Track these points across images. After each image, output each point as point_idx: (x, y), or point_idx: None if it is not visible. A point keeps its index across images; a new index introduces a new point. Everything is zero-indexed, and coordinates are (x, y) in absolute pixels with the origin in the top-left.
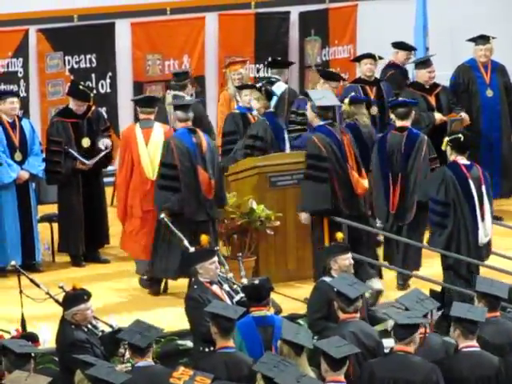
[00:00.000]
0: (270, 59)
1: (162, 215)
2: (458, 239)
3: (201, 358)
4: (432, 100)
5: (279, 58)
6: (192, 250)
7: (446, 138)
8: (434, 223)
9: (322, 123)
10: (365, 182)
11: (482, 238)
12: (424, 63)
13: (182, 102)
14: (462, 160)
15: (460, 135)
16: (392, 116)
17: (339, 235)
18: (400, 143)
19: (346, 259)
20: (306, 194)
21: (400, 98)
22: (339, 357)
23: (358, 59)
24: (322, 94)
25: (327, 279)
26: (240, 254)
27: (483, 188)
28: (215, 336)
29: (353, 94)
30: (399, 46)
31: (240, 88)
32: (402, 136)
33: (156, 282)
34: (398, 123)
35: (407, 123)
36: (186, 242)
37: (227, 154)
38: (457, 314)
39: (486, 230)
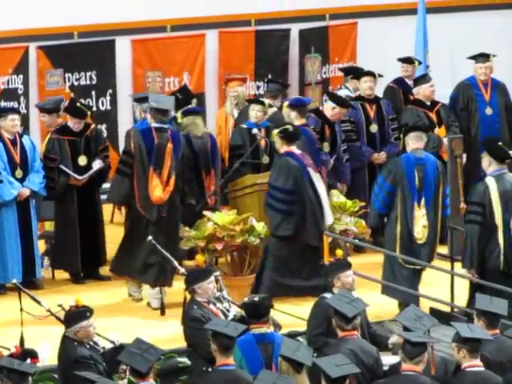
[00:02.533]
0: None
1: (150, 237)
2: (305, 225)
3: (200, 375)
4: (433, 117)
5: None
6: (182, 270)
7: (275, 130)
8: (282, 211)
9: (155, 125)
10: (162, 193)
11: (328, 220)
12: (424, 77)
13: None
14: (295, 150)
15: (288, 126)
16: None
17: (339, 252)
18: None
19: (349, 276)
20: (112, 186)
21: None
22: (336, 376)
23: (358, 76)
24: (163, 98)
25: (328, 295)
26: (218, 273)
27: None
28: (215, 353)
29: (190, 106)
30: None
31: (249, 102)
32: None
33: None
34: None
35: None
36: (175, 263)
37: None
38: (463, 334)
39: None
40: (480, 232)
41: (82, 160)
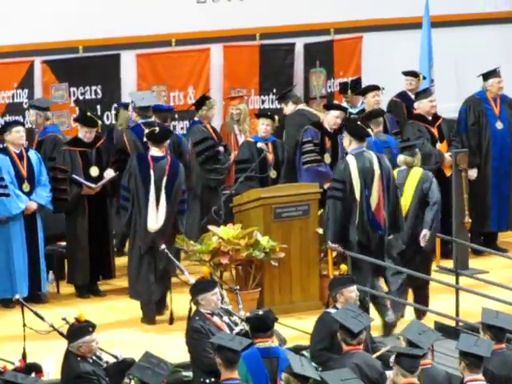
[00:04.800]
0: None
1: (163, 246)
2: (135, 222)
3: None
4: (435, 132)
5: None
6: (193, 281)
7: (146, 131)
8: (120, 206)
9: (140, 121)
10: None
11: (152, 225)
12: (424, 92)
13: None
14: (154, 152)
15: (156, 128)
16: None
17: (343, 267)
18: None
19: (353, 292)
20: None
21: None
22: None
23: (364, 92)
24: (143, 95)
25: (332, 311)
26: (237, 287)
27: (164, 179)
28: (220, 367)
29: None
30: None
31: (257, 117)
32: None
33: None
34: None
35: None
36: (186, 273)
37: (240, 182)
38: (463, 347)
39: (158, 219)
40: (342, 207)
41: (94, 171)
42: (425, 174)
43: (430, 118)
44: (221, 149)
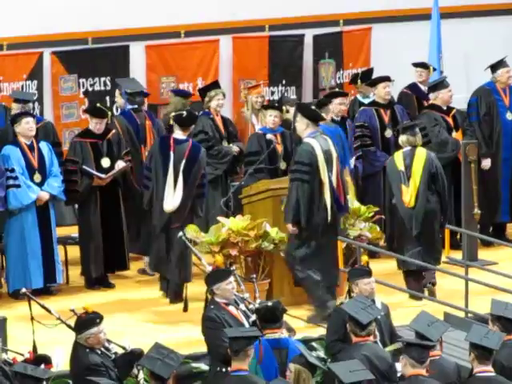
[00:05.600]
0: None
1: (181, 233)
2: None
3: (213, 380)
4: (450, 121)
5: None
6: (209, 269)
7: (172, 114)
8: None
9: (129, 107)
10: None
11: (168, 205)
12: (442, 83)
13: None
14: (177, 134)
15: (184, 112)
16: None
17: (364, 258)
18: None
19: (368, 284)
20: None
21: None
22: (349, 382)
23: (374, 83)
24: (130, 81)
25: (346, 301)
26: (254, 276)
27: (183, 162)
28: (231, 357)
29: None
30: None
31: (265, 108)
32: None
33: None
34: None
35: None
36: (204, 261)
37: (250, 174)
38: (473, 339)
39: (174, 200)
40: (309, 190)
41: (105, 162)
42: (429, 154)
43: (444, 107)
44: (235, 148)
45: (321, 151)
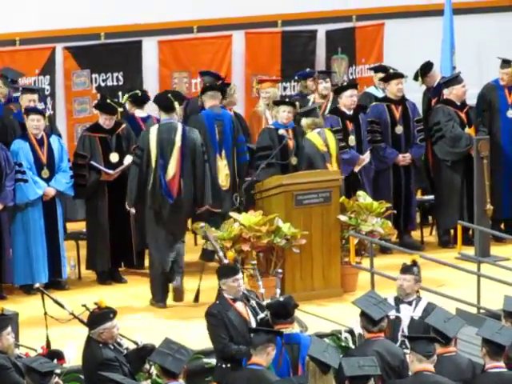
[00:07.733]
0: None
1: (202, 224)
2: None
3: (227, 372)
4: (463, 116)
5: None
6: (226, 261)
7: (126, 95)
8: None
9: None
10: None
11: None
12: (456, 79)
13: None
14: (139, 113)
15: (137, 91)
16: None
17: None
18: None
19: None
20: None
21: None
22: (353, 375)
23: (387, 79)
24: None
25: None
26: (280, 270)
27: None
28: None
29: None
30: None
31: (277, 104)
32: None
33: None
34: None
35: None
36: (221, 254)
37: (261, 169)
38: (485, 334)
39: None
40: (139, 173)
41: (114, 157)
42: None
43: (458, 103)
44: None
45: (155, 138)
